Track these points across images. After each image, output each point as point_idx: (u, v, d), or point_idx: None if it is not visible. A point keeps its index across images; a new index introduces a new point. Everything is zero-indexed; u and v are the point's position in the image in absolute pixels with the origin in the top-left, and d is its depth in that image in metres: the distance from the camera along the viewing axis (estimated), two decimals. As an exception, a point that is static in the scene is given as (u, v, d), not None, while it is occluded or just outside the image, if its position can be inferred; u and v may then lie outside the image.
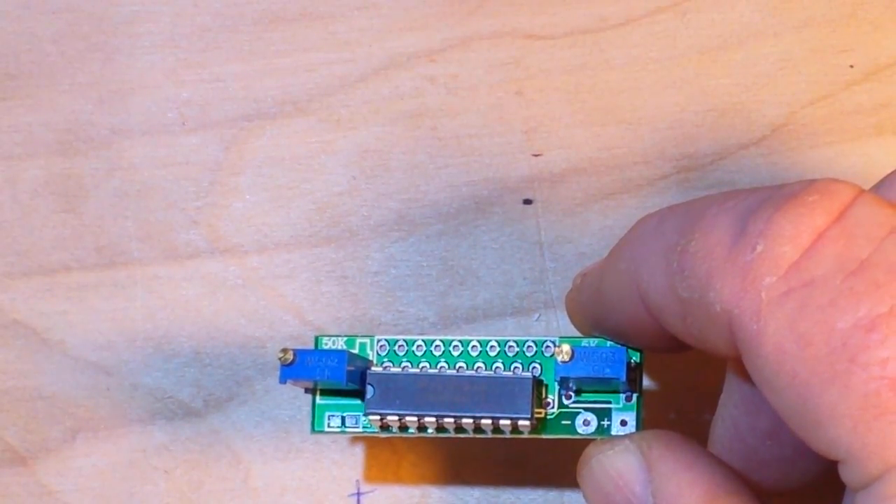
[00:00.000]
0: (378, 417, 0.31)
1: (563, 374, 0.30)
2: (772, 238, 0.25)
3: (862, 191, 0.25)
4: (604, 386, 0.31)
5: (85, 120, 0.39)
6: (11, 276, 0.38)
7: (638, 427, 0.31)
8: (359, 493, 0.36)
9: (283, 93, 0.38)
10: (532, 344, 0.32)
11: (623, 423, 0.31)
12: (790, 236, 0.25)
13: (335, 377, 0.30)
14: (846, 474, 0.24)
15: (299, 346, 0.31)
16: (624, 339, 0.31)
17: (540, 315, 0.37)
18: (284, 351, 0.31)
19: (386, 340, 0.32)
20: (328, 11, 0.39)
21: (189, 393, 0.37)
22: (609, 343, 0.31)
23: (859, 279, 0.24)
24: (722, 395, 0.31)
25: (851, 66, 0.38)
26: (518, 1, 0.39)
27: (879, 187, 0.28)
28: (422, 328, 0.37)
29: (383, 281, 0.37)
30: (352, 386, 0.31)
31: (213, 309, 0.37)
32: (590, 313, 0.31)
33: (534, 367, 0.32)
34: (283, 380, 0.31)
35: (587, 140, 0.38)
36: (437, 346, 0.32)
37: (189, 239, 0.38)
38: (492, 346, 0.32)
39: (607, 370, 0.30)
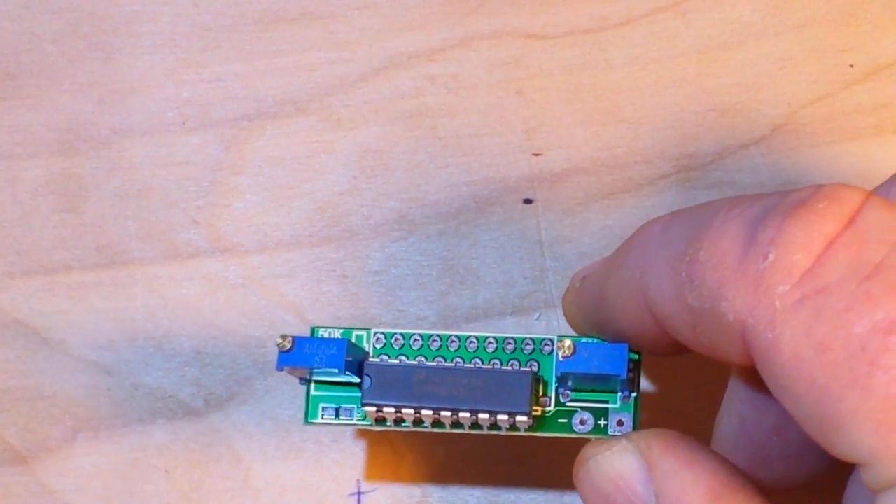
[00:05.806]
0: (374, 409, 0.30)
1: (563, 370, 0.30)
2: (783, 246, 0.25)
3: (870, 195, 0.25)
4: (602, 384, 0.31)
5: (85, 120, 0.39)
6: (12, 276, 0.38)
7: (635, 427, 0.31)
8: (359, 493, 0.36)
9: (283, 93, 0.38)
10: (530, 341, 0.31)
11: (620, 423, 0.31)
12: (802, 244, 0.25)
13: (333, 364, 0.30)
14: (868, 477, 0.24)
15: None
16: (624, 342, 0.30)
17: (540, 314, 0.37)
18: (283, 337, 0.30)
19: (382, 334, 0.32)
20: (328, 11, 0.39)
21: (190, 392, 0.37)
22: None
23: (875, 283, 0.24)
24: (727, 392, 0.31)
25: (851, 66, 0.38)
26: (518, 1, 0.39)
27: (882, 189, 0.28)
28: (422, 328, 0.37)
29: (384, 280, 0.37)
30: (348, 376, 0.31)
31: (213, 308, 0.37)
32: (590, 316, 0.31)
33: (531, 365, 0.31)
34: (280, 366, 0.30)
35: (587, 140, 0.38)
36: (434, 340, 0.32)
37: (189, 238, 0.38)
38: (489, 343, 0.31)
39: (608, 367, 0.29)
